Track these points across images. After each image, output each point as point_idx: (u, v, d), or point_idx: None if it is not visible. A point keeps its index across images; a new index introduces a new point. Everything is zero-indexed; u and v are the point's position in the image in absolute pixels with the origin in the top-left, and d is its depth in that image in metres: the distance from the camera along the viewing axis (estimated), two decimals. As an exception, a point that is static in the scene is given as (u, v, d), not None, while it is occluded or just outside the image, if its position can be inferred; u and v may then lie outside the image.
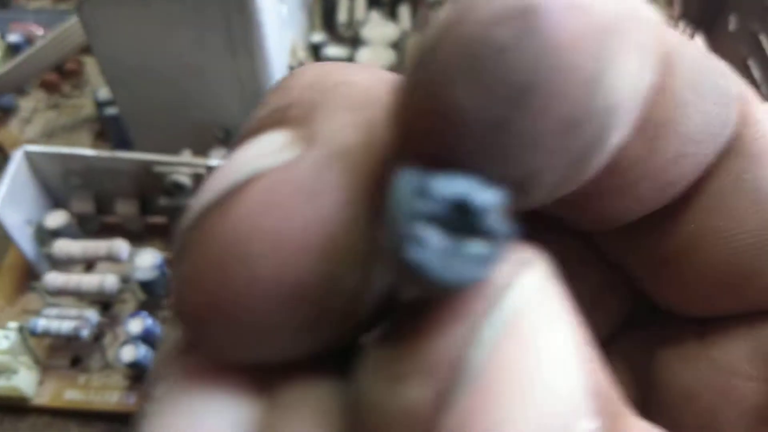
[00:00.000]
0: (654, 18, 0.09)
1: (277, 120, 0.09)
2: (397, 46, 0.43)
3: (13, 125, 0.45)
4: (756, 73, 0.39)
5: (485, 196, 0.07)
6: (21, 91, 0.46)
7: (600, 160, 0.09)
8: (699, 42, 0.12)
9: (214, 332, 0.08)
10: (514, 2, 0.07)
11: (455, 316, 0.07)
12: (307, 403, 0.08)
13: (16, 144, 0.42)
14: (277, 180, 0.08)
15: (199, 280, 0.08)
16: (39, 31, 0.48)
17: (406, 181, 0.07)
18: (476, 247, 0.07)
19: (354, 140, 0.08)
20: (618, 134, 0.09)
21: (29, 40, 0.47)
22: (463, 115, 0.07)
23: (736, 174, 0.12)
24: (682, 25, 0.46)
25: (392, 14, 0.47)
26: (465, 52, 0.07)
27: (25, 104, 0.45)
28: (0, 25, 0.48)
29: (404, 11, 0.47)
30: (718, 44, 0.45)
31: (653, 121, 0.11)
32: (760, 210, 0.12)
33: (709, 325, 0.13)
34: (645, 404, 0.14)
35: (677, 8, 0.47)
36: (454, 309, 0.07)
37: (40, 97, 0.46)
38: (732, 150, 0.12)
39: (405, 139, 0.08)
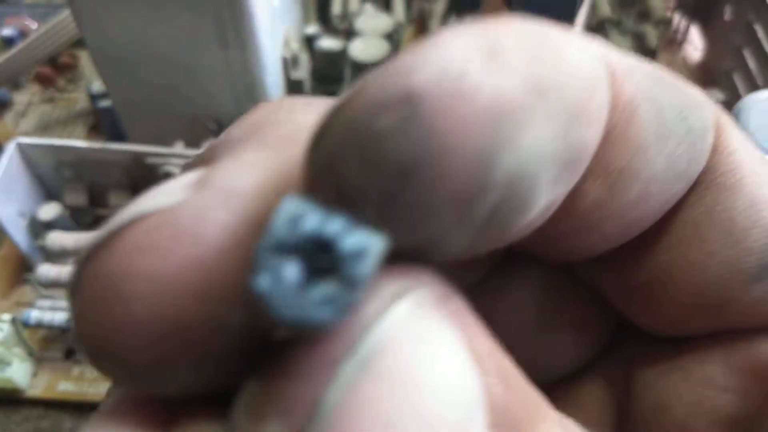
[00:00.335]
0: (593, 76, 0.09)
1: (203, 159, 0.10)
2: (390, 37, 0.43)
3: (8, 119, 0.45)
4: (751, 62, 0.39)
5: (355, 240, 0.07)
6: (16, 85, 0.46)
7: (527, 216, 0.09)
8: (671, 77, 0.12)
9: (104, 365, 0.09)
10: (397, 90, 0.07)
11: (317, 356, 0.07)
12: None
13: (11, 137, 0.42)
14: (158, 222, 0.08)
15: (85, 315, 0.08)
16: (33, 25, 0.48)
17: (285, 210, 0.07)
18: (326, 288, 0.07)
19: (247, 181, 0.09)
20: (550, 191, 0.09)
21: (23, 34, 0.47)
22: (354, 189, 0.08)
23: (708, 205, 0.12)
24: (678, 16, 0.46)
25: (386, 6, 0.47)
26: (352, 135, 0.08)
27: (20, 98, 0.46)
28: (-6, 19, 0.48)
29: (398, 3, 0.47)
30: (714, 34, 0.45)
31: (612, 168, 0.11)
32: (732, 241, 0.12)
33: (685, 341, 0.14)
34: (621, 419, 0.15)
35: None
36: (317, 349, 0.07)
37: (34, 90, 0.46)
38: (704, 181, 0.12)
39: (308, 191, 0.08)
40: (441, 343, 0.08)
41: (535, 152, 0.08)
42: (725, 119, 0.12)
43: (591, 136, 0.10)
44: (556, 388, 0.15)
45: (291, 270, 0.07)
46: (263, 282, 0.07)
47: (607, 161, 0.11)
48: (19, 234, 0.35)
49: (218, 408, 0.09)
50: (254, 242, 0.08)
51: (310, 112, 0.10)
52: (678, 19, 0.46)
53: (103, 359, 0.09)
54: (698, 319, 0.13)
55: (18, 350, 0.33)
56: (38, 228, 0.35)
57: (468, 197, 0.08)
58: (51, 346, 0.34)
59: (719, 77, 0.43)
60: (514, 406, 0.09)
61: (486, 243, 0.09)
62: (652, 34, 0.46)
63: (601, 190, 0.11)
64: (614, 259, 0.13)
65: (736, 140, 0.12)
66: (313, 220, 0.07)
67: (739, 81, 0.40)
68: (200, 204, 0.08)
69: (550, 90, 0.08)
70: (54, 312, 0.32)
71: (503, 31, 0.08)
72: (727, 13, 0.42)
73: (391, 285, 0.08)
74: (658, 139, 0.11)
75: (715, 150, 0.12)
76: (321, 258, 0.07)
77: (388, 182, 0.08)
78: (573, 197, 0.11)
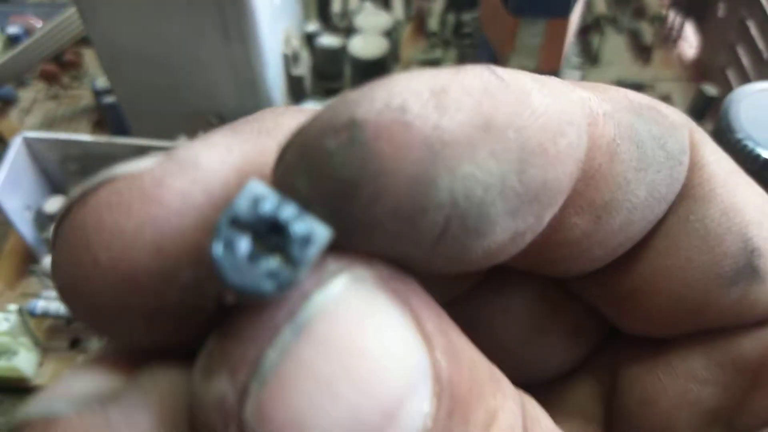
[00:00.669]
0: (558, 120, 0.10)
1: None
2: (389, 35, 0.44)
3: (14, 115, 0.45)
4: (744, 58, 0.39)
5: (303, 228, 0.08)
6: (21, 82, 0.46)
7: (485, 240, 0.10)
8: (651, 110, 0.13)
9: (73, 306, 0.10)
10: (344, 117, 0.09)
11: (260, 322, 0.09)
12: (153, 386, 0.09)
13: (17, 133, 0.43)
14: (125, 184, 0.09)
15: (60, 261, 0.09)
16: (38, 24, 0.49)
17: (249, 191, 0.08)
18: (272, 263, 0.08)
19: (206, 156, 0.10)
20: (510, 221, 0.10)
21: (28, 32, 0.48)
22: (305, 200, 0.09)
23: (684, 216, 0.13)
24: (673, 13, 0.46)
25: (385, 4, 0.48)
26: (304, 153, 0.09)
27: (25, 95, 0.46)
28: (0, 18, 0.49)
29: (397, 1, 0.48)
30: (708, 31, 0.45)
31: (597, 203, 0.12)
32: (707, 247, 0.13)
33: (668, 340, 0.14)
34: (610, 414, 0.16)
35: (668, -3, 0.48)
36: (261, 315, 0.09)
37: (39, 88, 0.47)
38: (680, 194, 0.13)
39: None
40: (377, 315, 0.09)
41: (480, 182, 0.09)
42: (699, 135, 0.13)
43: (557, 175, 0.10)
44: (551, 387, 0.16)
45: (244, 243, 0.08)
46: (218, 249, 0.08)
47: (592, 197, 0.12)
48: (25, 227, 0.36)
49: (182, 363, 0.10)
50: (207, 209, 0.09)
51: (297, 118, 0.11)
52: (673, 16, 0.47)
53: (72, 300, 0.10)
54: (680, 322, 0.14)
55: (24, 340, 0.34)
56: (44, 221, 0.36)
57: (409, 214, 0.09)
58: (56, 336, 0.35)
59: (713, 73, 0.43)
60: (462, 380, 0.10)
61: (450, 262, 0.10)
62: (647, 31, 0.47)
63: (587, 223, 0.12)
64: (601, 273, 0.14)
65: (709, 154, 0.13)
66: (271, 203, 0.08)
67: (732, 76, 0.40)
68: (161, 171, 0.09)
69: (499, 129, 0.09)
70: (60, 302, 0.33)
71: (454, 77, 0.09)
72: (721, 10, 0.43)
73: (332, 264, 0.09)
74: (638, 172, 0.12)
75: (692, 164, 0.13)
76: (273, 237, 0.08)
77: (332, 196, 0.09)
78: (561, 229, 0.12)
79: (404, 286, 0.09)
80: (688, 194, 0.13)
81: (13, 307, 0.35)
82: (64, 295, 0.10)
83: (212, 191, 0.09)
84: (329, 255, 0.09)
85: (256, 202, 0.08)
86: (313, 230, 0.08)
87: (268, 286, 0.08)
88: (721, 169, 0.13)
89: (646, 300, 0.14)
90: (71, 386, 0.10)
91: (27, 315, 0.34)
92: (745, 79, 0.39)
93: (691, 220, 0.13)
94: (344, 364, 0.08)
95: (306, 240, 0.08)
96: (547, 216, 0.11)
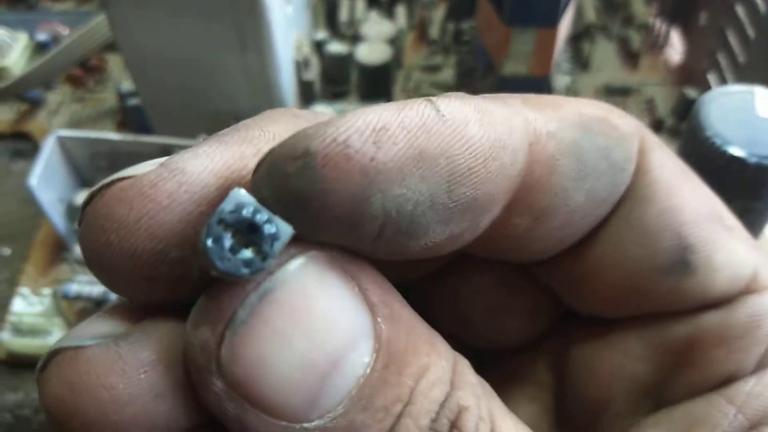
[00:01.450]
0: (489, 146, 0.12)
1: None
2: (393, 42, 0.47)
3: (42, 116, 0.48)
4: (723, 63, 0.42)
5: (272, 229, 0.11)
6: (48, 85, 0.49)
7: (421, 239, 0.12)
8: (600, 123, 0.15)
9: (94, 271, 0.13)
10: (301, 147, 0.11)
11: (236, 290, 0.12)
12: (154, 330, 0.13)
13: (45, 133, 0.46)
14: (129, 183, 0.12)
15: (83, 238, 0.13)
16: (64, 31, 0.52)
17: (233, 197, 0.11)
18: (246, 254, 0.11)
19: (192, 164, 0.12)
20: (444, 226, 0.12)
21: (56, 39, 0.51)
22: (271, 208, 0.12)
23: (625, 215, 0.15)
24: (659, 21, 0.49)
25: (389, 13, 0.50)
26: (270, 173, 0.12)
27: (53, 97, 0.49)
28: (28, 25, 0.52)
29: (401, 11, 0.51)
30: (691, 37, 0.48)
31: (535, 207, 0.14)
32: (645, 242, 0.15)
33: (612, 323, 0.17)
34: (560, 383, 0.18)
35: (656, 6, 0.51)
36: (235, 288, 0.12)
37: (66, 91, 0.50)
38: (624, 196, 0.15)
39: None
40: (325, 284, 0.12)
41: (409, 200, 0.12)
42: (650, 142, 0.15)
43: (487, 190, 0.13)
44: (512, 357, 0.19)
45: (228, 239, 0.11)
46: (209, 242, 0.11)
47: (530, 203, 0.14)
48: (57, 218, 0.39)
49: (177, 317, 0.13)
50: (189, 206, 0.12)
51: (285, 123, 0.14)
52: (659, 24, 0.49)
53: (93, 267, 0.13)
54: (621, 306, 0.16)
55: (57, 320, 0.37)
56: (74, 212, 0.39)
57: (349, 221, 0.12)
58: (86, 317, 0.38)
59: (696, 76, 0.46)
60: (399, 340, 0.12)
61: (393, 253, 0.13)
62: (635, 38, 0.50)
63: (527, 223, 0.14)
64: (557, 260, 0.16)
65: (655, 160, 0.15)
66: (248, 210, 0.11)
67: (712, 79, 0.43)
68: (155, 175, 0.12)
69: (431, 158, 0.12)
70: (92, 286, 0.36)
71: (397, 114, 0.12)
72: (702, 19, 0.46)
73: (293, 249, 0.12)
74: (577, 181, 0.14)
75: (637, 169, 0.15)
76: (250, 235, 0.11)
77: (289, 205, 0.11)
78: (506, 227, 0.14)
79: (354, 266, 0.12)
80: (631, 196, 0.15)
81: (47, 291, 0.38)
82: (88, 263, 0.13)
83: (194, 192, 0.12)
84: (294, 244, 0.12)
85: (238, 207, 0.11)
86: (279, 230, 0.11)
87: (244, 271, 0.11)
88: (665, 173, 0.15)
89: (592, 285, 0.16)
90: (92, 328, 0.13)
91: (60, 298, 0.37)
92: (724, 82, 0.42)
93: (631, 218, 0.15)
94: (296, 321, 0.12)
95: (274, 238, 0.11)
96: (484, 220, 0.13)
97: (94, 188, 0.12)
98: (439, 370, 0.13)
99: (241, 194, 0.11)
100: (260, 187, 0.12)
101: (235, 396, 0.12)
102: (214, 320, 0.12)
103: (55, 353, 0.12)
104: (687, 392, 0.15)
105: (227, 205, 0.11)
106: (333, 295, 0.12)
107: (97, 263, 0.12)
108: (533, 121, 0.13)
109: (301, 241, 0.12)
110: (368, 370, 0.12)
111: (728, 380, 0.15)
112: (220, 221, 0.11)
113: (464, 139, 0.12)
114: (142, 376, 0.12)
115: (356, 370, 0.12)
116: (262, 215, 0.11)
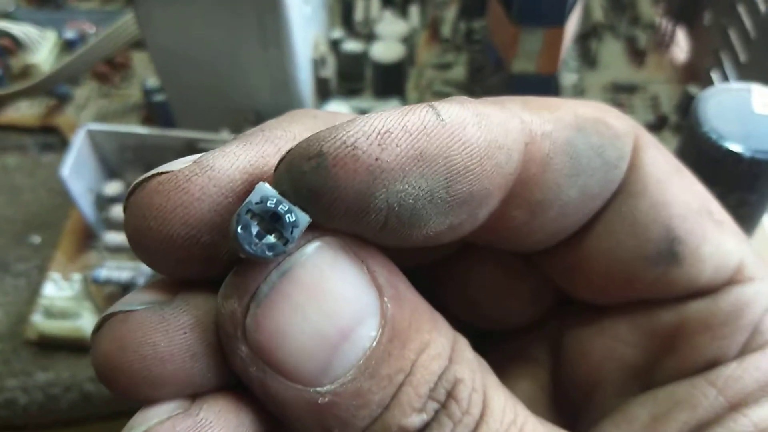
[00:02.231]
0: (485, 146, 0.13)
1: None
2: (407, 41, 0.48)
3: (70, 111, 0.51)
4: (725, 61, 0.43)
5: (293, 218, 0.13)
6: (75, 81, 0.52)
7: (422, 229, 0.14)
8: (595, 124, 0.16)
9: (138, 253, 0.15)
10: (315, 149, 0.13)
11: (260, 269, 0.13)
12: (192, 299, 0.14)
13: (73, 127, 0.48)
14: (167, 178, 0.14)
15: (128, 225, 0.14)
16: (91, 29, 0.54)
17: (259, 190, 0.13)
18: (270, 239, 0.13)
19: (221, 162, 0.14)
20: (443, 218, 0.14)
21: (83, 37, 0.53)
22: (290, 199, 0.13)
23: (618, 208, 0.16)
24: (665, 20, 0.50)
25: (403, 13, 0.52)
26: (288, 170, 0.13)
27: (80, 93, 0.51)
28: (57, 23, 0.54)
29: (414, 10, 0.52)
30: (696, 36, 0.49)
31: (531, 201, 0.15)
32: (634, 234, 0.16)
33: (604, 309, 0.18)
34: (555, 364, 0.19)
35: (662, 6, 0.52)
36: (259, 266, 0.13)
37: (92, 86, 0.52)
38: (617, 191, 0.16)
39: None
40: (337, 266, 0.13)
41: (411, 194, 0.13)
42: (645, 141, 0.16)
43: (483, 186, 0.14)
44: (513, 337, 0.20)
45: (254, 226, 0.13)
46: (239, 229, 0.13)
47: (527, 197, 0.15)
48: (87, 207, 0.41)
49: (210, 290, 0.14)
50: (218, 197, 0.14)
51: (305, 123, 0.15)
52: (665, 24, 0.51)
53: (136, 249, 0.14)
54: (613, 293, 0.17)
55: (87, 304, 0.39)
56: (103, 202, 0.41)
57: (357, 212, 0.13)
58: (114, 301, 0.39)
59: (700, 74, 0.47)
60: (403, 318, 0.14)
61: (397, 241, 0.14)
62: (642, 38, 0.51)
63: (524, 215, 0.16)
64: (553, 250, 0.17)
65: (648, 158, 0.16)
66: (272, 201, 0.13)
67: (715, 77, 0.44)
68: (189, 171, 0.14)
69: (430, 158, 0.13)
70: (120, 271, 0.38)
71: (400, 119, 0.13)
72: (706, 19, 0.47)
73: (310, 235, 0.13)
74: (570, 177, 0.15)
75: (631, 166, 0.16)
76: (273, 222, 0.13)
77: (305, 199, 0.13)
78: (504, 219, 0.15)
79: (364, 251, 0.14)
80: (624, 191, 0.16)
81: (77, 276, 0.40)
82: (132, 246, 0.14)
83: (222, 186, 0.14)
84: (311, 230, 0.13)
85: (264, 199, 0.13)
86: (298, 218, 0.13)
87: (268, 253, 0.13)
88: (657, 170, 0.16)
89: (586, 273, 0.17)
90: (139, 297, 0.15)
91: (90, 282, 0.39)
92: (727, 80, 0.43)
93: (623, 212, 0.16)
94: (311, 297, 0.13)
95: (294, 225, 0.13)
96: (482, 213, 0.15)
97: (136, 181, 0.14)
98: (439, 346, 0.14)
99: (266, 188, 0.13)
100: (281, 182, 0.13)
101: (258, 360, 0.13)
102: (240, 294, 0.13)
103: (108, 317, 0.14)
104: (673, 375, 0.16)
105: (254, 197, 0.13)
106: (344, 275, 0.14)
107: (139, 245, 0.14)
108: (530, 122, 0.15)
109: (317, 228, 0.13)
110: (374, 343, 0.13)
111: (712, 365, 0.16)
112: (248, 211, 0.13)
113: (461, 141, 0.13)
114: (182, 337, 0.14)
115: (364, 342, 0.13)
116: (284, 206, 0.13)
